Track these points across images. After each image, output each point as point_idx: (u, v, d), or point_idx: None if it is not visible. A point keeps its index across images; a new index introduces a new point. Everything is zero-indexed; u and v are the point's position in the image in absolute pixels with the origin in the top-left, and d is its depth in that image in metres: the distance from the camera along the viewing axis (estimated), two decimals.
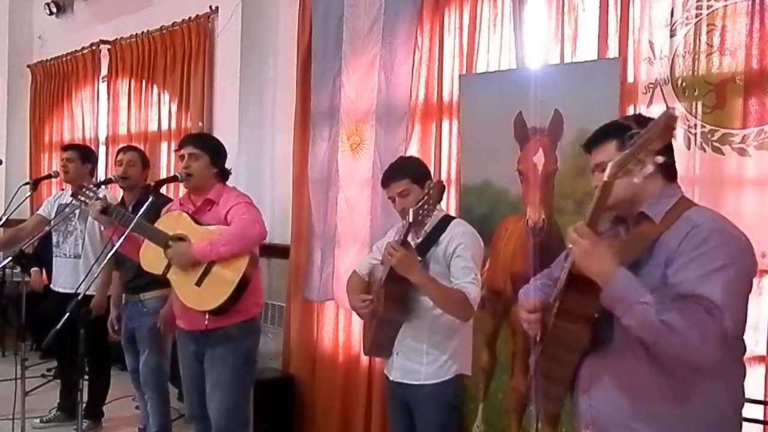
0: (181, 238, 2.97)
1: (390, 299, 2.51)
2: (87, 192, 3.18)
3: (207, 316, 2.96)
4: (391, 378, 2.68)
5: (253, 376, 3.28)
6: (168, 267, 2.98)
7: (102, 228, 3.94)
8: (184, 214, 3.04)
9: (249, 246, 2.93)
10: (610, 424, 1.77)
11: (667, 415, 1.68)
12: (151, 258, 3.04)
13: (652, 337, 1.59)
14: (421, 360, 2.58)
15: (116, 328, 3.93)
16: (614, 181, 1.57)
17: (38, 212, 4.45)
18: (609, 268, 1.60)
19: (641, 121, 1.71)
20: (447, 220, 2.62)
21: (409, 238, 2.46)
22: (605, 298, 1.62)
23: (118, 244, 2.93)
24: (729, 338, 1.55)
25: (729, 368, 1.71)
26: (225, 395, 3.04)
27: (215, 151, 3.14)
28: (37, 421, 4.30)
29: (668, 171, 1.76)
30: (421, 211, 2.31)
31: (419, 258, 2.49)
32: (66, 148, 4.46)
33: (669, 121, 1.46)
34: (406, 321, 2.57)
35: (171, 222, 3.05)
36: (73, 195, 3.22)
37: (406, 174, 2.61)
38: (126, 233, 2.87)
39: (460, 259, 2.50)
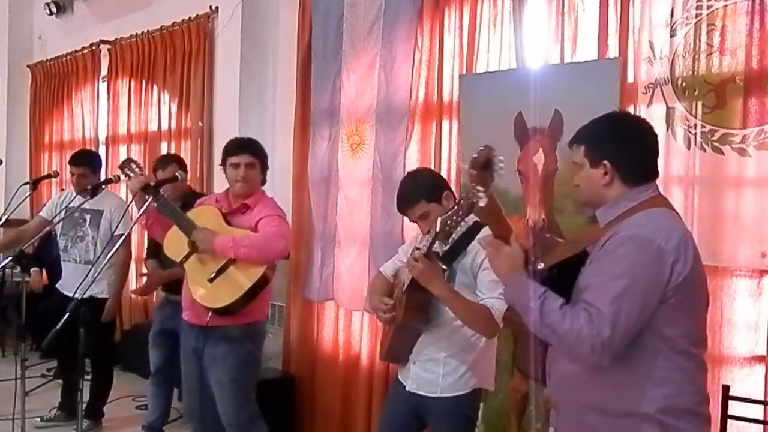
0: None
1: (411, 307, 2.42)
2: (133, 167, 3.17)
3: (210, 314, 2.97)
4: (406, 388, 2.57)
5: (255, 377, 3.26)
6: (187, 257, 3.01)
7: (114, 233, 3.99)
8: (217, 211, 3.07)
9: (268, 257, 2.93)
10: (562, 401, 1.91)
11: (596, 398, 1.78)
12: (174, 244, 3.06)
13: (540, 335, 1.75)
14: (438, 371, 2.48)
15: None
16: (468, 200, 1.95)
17: (40, 214, 4.42)
18: (505, 274, 1.82)
19: (596, 131, 1.85)
20: (477, 227, 2.45)
21: (436, 245, 2.37)
22: (506, 300, 1.85)
23: (117, 245, 3.01)
24: (611, 345, 1.64)
25: (649, 370, 1.71)
26: (227, 394, 3.06)
27: (265, 158, 3.14)
28: (38, 420, 4.30)
29: (631, 176, 1.80)
30: (449, 222, 2.21)
31: (445, 267, 2.40)
32: (75, 162, 4.25)
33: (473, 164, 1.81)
34: (426, 330, 2.49)
35: (203, 215, 3.07)
36: (120, 167, 3.23)
37: (418, 195, 2.49)
38: (136, 219, 2.94)
39: (488, 272, 2.35)
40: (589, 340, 1.63)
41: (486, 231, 2.51)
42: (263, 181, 3.17)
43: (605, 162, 1.80)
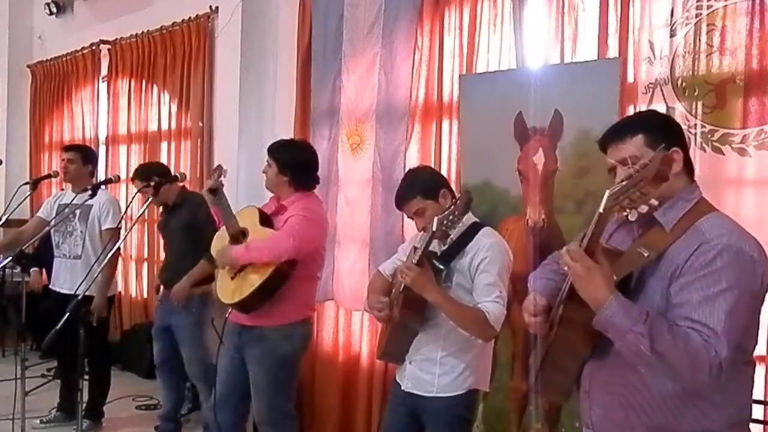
0: (243, 232, 3.14)
1: (408, 306, 2.41)
2: (215, 174, 3.32)
3: (230, 309, 3.17)
4: (402, 387, 2.57)
5: (292, 379, 3.28)
6: None
7: (102, 228, 4.14)
8: (256, 211, 3.20)
9: (279, 256, 2.99)
10: (608, 426, 1.76)
11: (659, 424, 1.66)
12: (217, 246, 3.25)
13: (643, 363, 1.58)
14: (434, 371, 2.48)
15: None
16: (609, 214, 1.55)
17: (38, 214, 4.45)
18: (601, 296, 1.56)
19: (663, 124, 1.71)
20: (475, 228, 2.50)
21: (434, 245, 2.39)
22: (597, 323, 1.59)
23: (119, 243, 3.20)
24: (724, 366, 1.51)
25: (729, 386, 1.63)
26: (261, 393, 3.16)
27: (284, 160, 3.17)
28: (38, 421, 4.30)
29: (690, 167, 1.71)
30: (446, 222, 2.23)
31: (442, 266, 2.41)
32: (67, 148, 4.45)
33: (662, 166, 1.45)
34: (423, 330, 2.49)
35: (245, 216, 3.22)
36: (213, 171, 3.38)
37: (415, 191, 2.49)
38: (142, 214, 3.02)
39: (485, 275, 2.38)
40: (707, 364, 1.49)
41: (489, 232, 2.53)
42: (293, 183, 3.17)
43: (676, 148, 1.65)
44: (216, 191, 3.23)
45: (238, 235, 3.13)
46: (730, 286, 1.52)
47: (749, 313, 1.58)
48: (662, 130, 1.68)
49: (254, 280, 3.03)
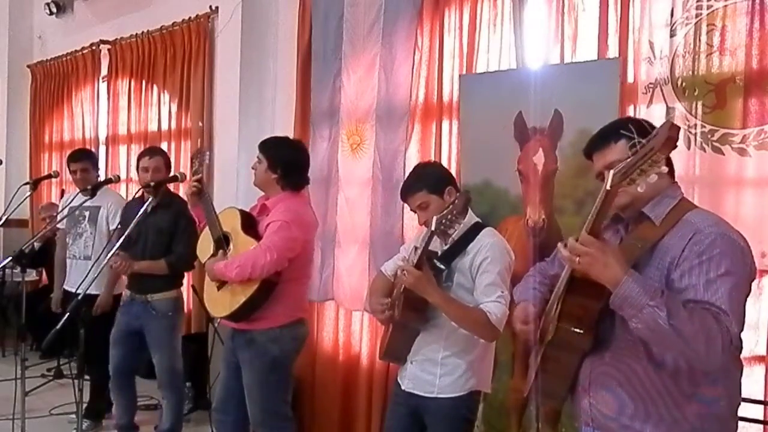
0: (226, 236, 3.10)
1: (409, 307, 2.41)
2: (196, 162, 3.28)
3: (219, 318, 3.15)
4: (402, 387, 2.57)
5: (285, 381, 3.20)
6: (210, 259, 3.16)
7: (110, 228, 4.15)
8: (238, 213, 3.13)
9: (261, 274, 2.93)
10: (609, 422, 1.78)
11: (664, 415, 1.70)
12: (203, 247, 3.21)
13: (658, 340, 1.61)
14: (435, 371, 2.47)
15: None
16: (617, 190, 1.57)
17: (60, 228, 4.48)
18: (619, 274, 1.60)
19: (641, 126, 1.73)
20: (477, 228, 2.50)
21: (437, 244, 2.39)
22: (614, 301, 1.62)
23: (117, 244, 3.12)
24: (734, 343, 1.58)
25: (728, 368, 1.71)
26: (255, 397, 3.11)
27: (275, 158, 3.11)
28: (66, 419, 4.33)
29: (671, 171, 1.79)
30: (444, 221, 2.24)
31: (443, 266, 2.41)
32: (76, 159, 4.30)
33: (672, 132, 1.47)
34: (424, 330, 2.48)
35: (227, 216, 3.17)
36: (195, 155, 3.34)
37: (421, 185, 2.49)
38: (137, 219, 3.13)
39: (486, 276, 2.38)
40: (720, 339, 1.54)
41: (491, 233, 2.52)
42: (282, 182, 3.10)
43: None
44: (201, 193, 3.17)
45: (221, 240, 3.07)
46: (728, 270, 1.61)
47: (744, 298, 1.65)
48: (642, 133, 1.70)
49: (239, 297, 2.98)
